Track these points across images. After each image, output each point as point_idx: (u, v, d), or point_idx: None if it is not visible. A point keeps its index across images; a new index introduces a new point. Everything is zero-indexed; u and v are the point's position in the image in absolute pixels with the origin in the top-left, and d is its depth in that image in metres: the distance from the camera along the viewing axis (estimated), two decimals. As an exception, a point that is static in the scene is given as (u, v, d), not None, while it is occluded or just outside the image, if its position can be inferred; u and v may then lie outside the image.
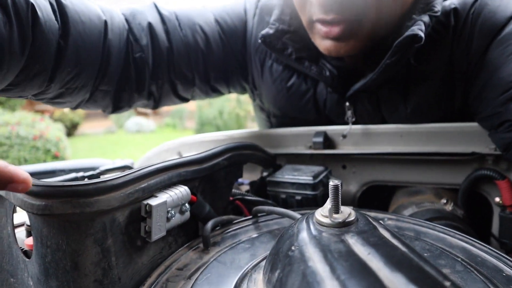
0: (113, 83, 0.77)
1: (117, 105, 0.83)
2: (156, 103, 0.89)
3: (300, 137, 0.87)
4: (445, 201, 0.72)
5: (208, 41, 0.87)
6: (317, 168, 0.79)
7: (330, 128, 0.85)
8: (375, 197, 0.88)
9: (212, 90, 0.95)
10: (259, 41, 0.82)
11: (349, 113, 0.82)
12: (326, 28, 0.71)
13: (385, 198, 0.87)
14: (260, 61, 0.91)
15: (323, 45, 0.75)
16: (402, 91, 0.77)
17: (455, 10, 0.72)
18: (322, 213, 0.40)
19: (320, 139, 0.83)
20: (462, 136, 0.73)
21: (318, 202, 0.73)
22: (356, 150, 0.82)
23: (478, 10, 0.70)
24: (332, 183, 0.40)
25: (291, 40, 0.82)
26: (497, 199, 0.73)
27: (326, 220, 0.39)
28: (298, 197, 0.74)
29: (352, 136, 0.83)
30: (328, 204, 0.40)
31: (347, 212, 0.40)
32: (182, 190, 0.52)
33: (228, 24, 0.90)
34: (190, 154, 1.01)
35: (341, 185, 0.42)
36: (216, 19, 0.89)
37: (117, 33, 0.75)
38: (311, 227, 0.39)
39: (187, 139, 1.03)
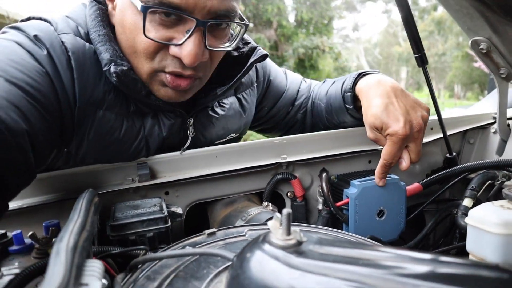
0: None
1: None
2: None
3: (119, 172, 0.84)
4: (266, 204, 0.89)
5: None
6: (152, 201, 0.80)
7: (150, 159, 0.86)
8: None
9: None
10: (114, 80, 0.77)
11: (191, 129, 0.93)
12: (177, 81, 0.80)
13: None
14: (90, 114, 0.80)
15: (165, 92, 0.83)
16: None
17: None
18: (277, 238, 0.46)
19: (147, 171, 0.83)
20: (264, 151, 0.93)
21: (169, 234, 0.75)
22: (177, 176, 0.88)
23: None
24: (285, 211, 0.46)
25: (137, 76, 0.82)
26: (289, 194, 0.97)
27: (287, 242, 0.46)
28: (150, 234, 0.73)
29: (171, 163, 0.87)
30: (279, 229, 0.47)
31: (296, 231, 0.48)
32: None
33: (38, 89, 0.70)
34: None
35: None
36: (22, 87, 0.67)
37: None
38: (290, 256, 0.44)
39: None
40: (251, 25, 12.42)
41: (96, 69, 0.80)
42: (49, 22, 0.79)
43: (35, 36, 0.74)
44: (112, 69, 0.76)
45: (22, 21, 0.82)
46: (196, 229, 0.92)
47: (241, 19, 0.87)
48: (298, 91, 1.23)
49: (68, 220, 0.51)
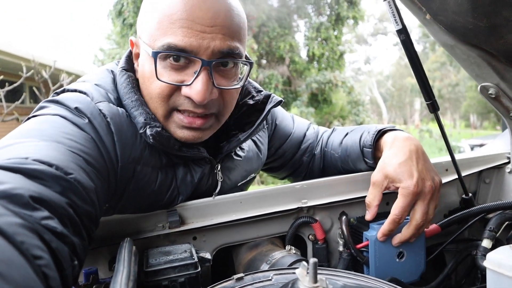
0: None
1: None
2: None
3: (151, 219, 0.89)
4: (289, 247, 0.93)
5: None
6: (183, 247, 0.85)
7: (179, 206, 0.92)
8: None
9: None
10: (150, 141, 0.84)
11: (219, 174, 0.99)
12: (189, 119, 0.86)
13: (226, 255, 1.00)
14: (130, 171, 0.87)
15: (182, 133, 0.88)
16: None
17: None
18: (304, 285, 0.51)
19: (176, 218, 0.89)
20: (286, 196, 0.98)
21: (199, 279, 0.79)
22: (205, 222, 0.93)
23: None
24: (312, 261, 0.51)
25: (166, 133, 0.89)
26: (311, 237, 1.00)
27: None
28: (182, 279, 0.77)
29: (199, 209, 0.93)
30: (306, 277, 0.51)
31: (322, 279, 0.52)
32: None
33: (90, 154, 0.76)
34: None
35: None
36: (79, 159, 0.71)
37: None
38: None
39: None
40: (264, 62, 12.77)
41: (132, 130, 0.87)
42: (85, 93, 0.86)
43: (76, 108, 0.81)
44: (148, 131, 0.84)
45: (56, 93, 0.89)
46: (221, 272, 0.96)
47: (247, 58, 0.94)
48: (304, 135, 1.31)
49: (115, 271, 0.56)
